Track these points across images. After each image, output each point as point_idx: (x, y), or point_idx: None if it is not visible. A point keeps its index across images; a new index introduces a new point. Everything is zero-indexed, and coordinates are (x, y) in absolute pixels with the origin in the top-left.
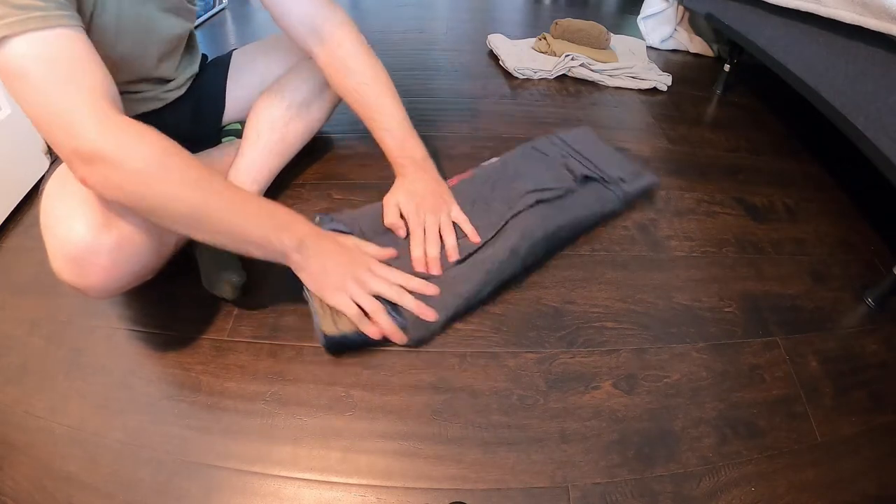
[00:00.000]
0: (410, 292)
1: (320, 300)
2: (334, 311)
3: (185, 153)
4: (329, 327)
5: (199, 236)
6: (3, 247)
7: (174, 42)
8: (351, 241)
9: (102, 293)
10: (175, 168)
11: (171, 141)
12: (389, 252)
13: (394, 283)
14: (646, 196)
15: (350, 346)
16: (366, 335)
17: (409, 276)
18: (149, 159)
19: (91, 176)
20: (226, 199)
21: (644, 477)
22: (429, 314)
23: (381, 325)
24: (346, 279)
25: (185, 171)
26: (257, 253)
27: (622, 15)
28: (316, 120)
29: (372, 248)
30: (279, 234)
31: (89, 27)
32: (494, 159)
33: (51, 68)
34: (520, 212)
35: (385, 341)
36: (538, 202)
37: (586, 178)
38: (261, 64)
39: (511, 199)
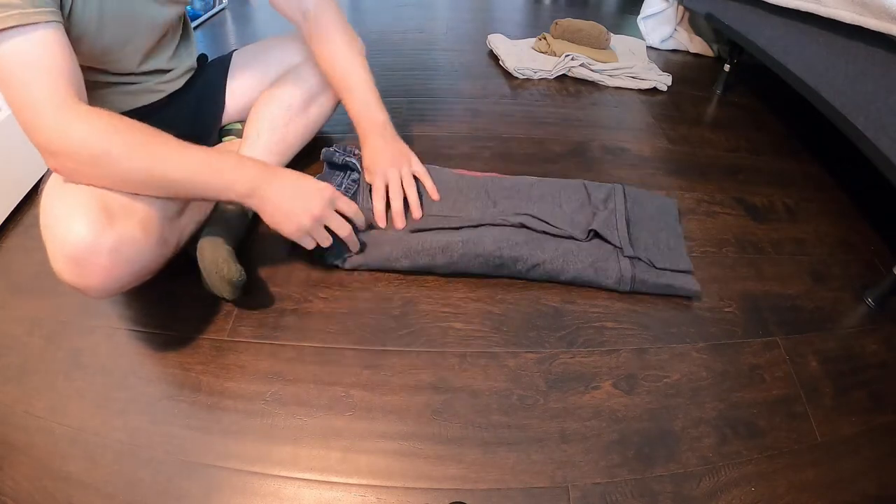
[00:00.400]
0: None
1: None
2: None
3: (132, 125)
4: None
5: (164, 196)
6: (3, 247)
7: (164, 29)
8: (309, 181)
9: (102, 293)
10: (122, 143)
11: (118, 116)
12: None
13: (339, 218)
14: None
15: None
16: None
17: (358, 210)
18: (97, 142)
19: (57, 166)
20: (174, 159)
21: (644, 477)
22: (354, 245)
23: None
24: (300, 218)
25: (132, 145)
26: (219, 199)
27: (622, 15)
28: (316, 120)
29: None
30: (229, 183)
31: (70, 19)
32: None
33: (18, 67)
34: (500, 224)
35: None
36: (522, 226)
37: (598, 236)
38: (261, 64)
39: (507, 210)
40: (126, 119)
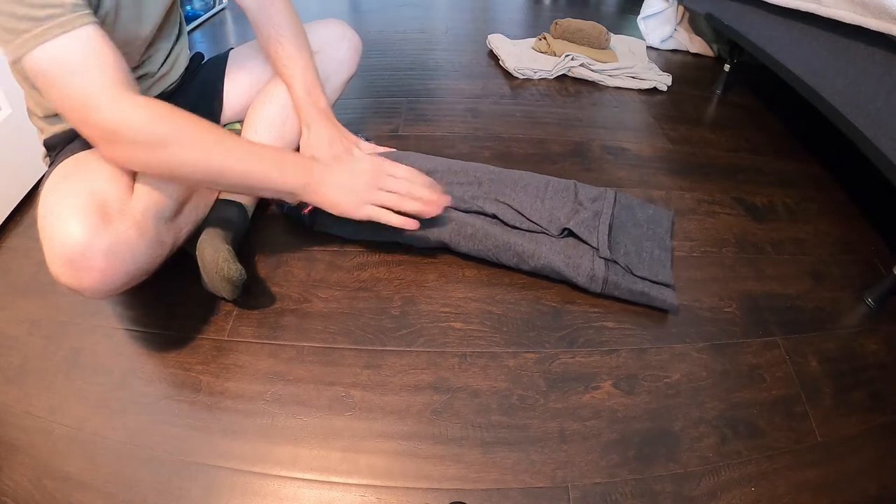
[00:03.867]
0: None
1: None
2: None
3: (193, 118)
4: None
5: (218, 188)
6: (3, 247)
7: (162, 15)
8: (343, 148)
9: (98, 294)
10: (183, 133)
11: (179, 109)
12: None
13: (401, 179)
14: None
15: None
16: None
17: (414, 172)
18: (159, 131)
19: (114, 154)
20: (233, 152)
21: (644, 477)
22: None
23: (410, 209)
24: (360, 196)
25: (193, 136)
26: (273, 196)
27: (622, 15)
28: None
29: (366, 146)
30: (286, 176)
31: (115, 20)
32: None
33: (69, 66)
34: (475, 211)
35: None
36: (495, 217)
37: (573, 235)
38: (258, 63)
39: (490, 193)
40: (184, 111)
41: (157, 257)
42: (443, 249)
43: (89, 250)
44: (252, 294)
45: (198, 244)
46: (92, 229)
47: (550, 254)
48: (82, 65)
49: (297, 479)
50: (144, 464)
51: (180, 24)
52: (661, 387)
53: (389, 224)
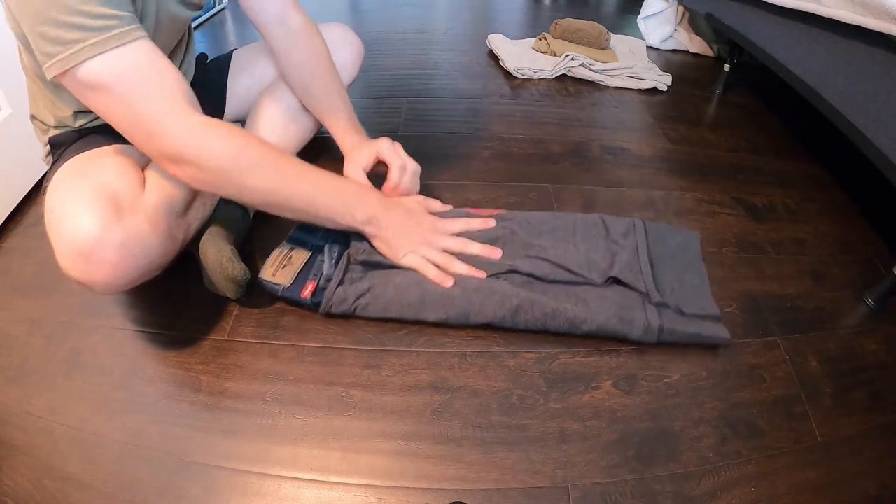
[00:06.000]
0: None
1: (280, 252)
2: (280, 265)
3: (263, 144)
4: (267, 274)
5: (278, 213)
6: (3, 247)
7: (183, 31)
8: (415, 202)
9: (109, 289)
10: (252, 162)
11: (249, 134)
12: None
13: (457, 237)
14: (708, 346)
15: (279, 298)
16: (292, 295)
17: (466, 242)
18: (229, 157)
19: (180, 173)
20: (300, 182)
21: (644, 477)
22: (479, 273)
23: (457, 270)
24: (414, 243)
25: (262, 164)
26: (333, 226)
27: (622, 15)
28: (315, 120)
29: (436, 205)
30: (351, 210)
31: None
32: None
33: (131, 81)
34: (504, 273)
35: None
36: (532, 276)
37: (619, 283)
38: (261, 64)
39: (514, 251)
40: (254, 134)
41: (169, 252)
42: None
43: (102, 244)
44: (252, 294)
45: (201, 244)
46: (105, 223)
47: (601, 313)
48: (146, 81)
49: (297, 479)
50: (144, 464)
51: (189, 41)
52: (661, 387)
53: (426, 276)
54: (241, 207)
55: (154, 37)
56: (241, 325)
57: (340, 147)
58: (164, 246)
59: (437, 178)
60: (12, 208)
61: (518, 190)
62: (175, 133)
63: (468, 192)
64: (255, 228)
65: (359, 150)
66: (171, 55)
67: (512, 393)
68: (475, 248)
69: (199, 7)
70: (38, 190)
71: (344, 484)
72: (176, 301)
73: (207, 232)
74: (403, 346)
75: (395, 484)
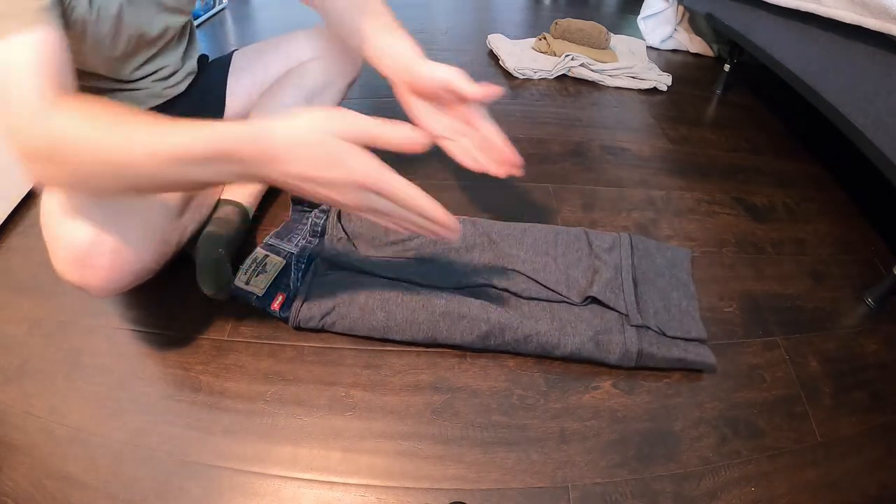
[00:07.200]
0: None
1: (254, 258)
2: (254, 272)
3: (106, 108)
4: (241, 280)
5: (141, 192)
6: (3, 247)
7: (170, 36)
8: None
9: (104, 292)
10: (90, 130)
11: (96, 103)
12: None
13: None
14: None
15: (250, 305)
16: (263, 306)
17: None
18: (61, 135)
19: (34, 175)
20: (152, 135)
21: (644, 477)
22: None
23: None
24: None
25: (101, 129)
26: (215, 178)
27: (622, 15)
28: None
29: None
30: (220, 168)
31: (85, 30)
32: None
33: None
34: (484, 285)
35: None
36: (506, 291)
37: (598, 302)
38: (262, 65)
39: (491, 260)
40: (99, 100)
41: (163, 256)
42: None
43: (95, 249)
44: None
45: (196, 245)
46: (98, 228)
47: (576, 337)
48: (16, 75)
49: (297, 479)
50: (144, 464)
51: (191, 31)
52: (661, 387)
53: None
54: (238, 206)
55: (113, 43)
56: (241, 325)
57: (392, 63)
58: (157, 250)
59: (437, 178)
60: (12, 208)
61: (518, 190)
62: (21, 131)
63: (467, 192)
64: (254, 228)
65: (424, 63)
66: (155, 57)
67: (512, 393)
68: (423, 203)
69: (184, 13)
70: (37, 190)
71: (344, 484)
72: (176, 301)
73: (202, 234)
74: (403, 346)
75: (395, 484)
